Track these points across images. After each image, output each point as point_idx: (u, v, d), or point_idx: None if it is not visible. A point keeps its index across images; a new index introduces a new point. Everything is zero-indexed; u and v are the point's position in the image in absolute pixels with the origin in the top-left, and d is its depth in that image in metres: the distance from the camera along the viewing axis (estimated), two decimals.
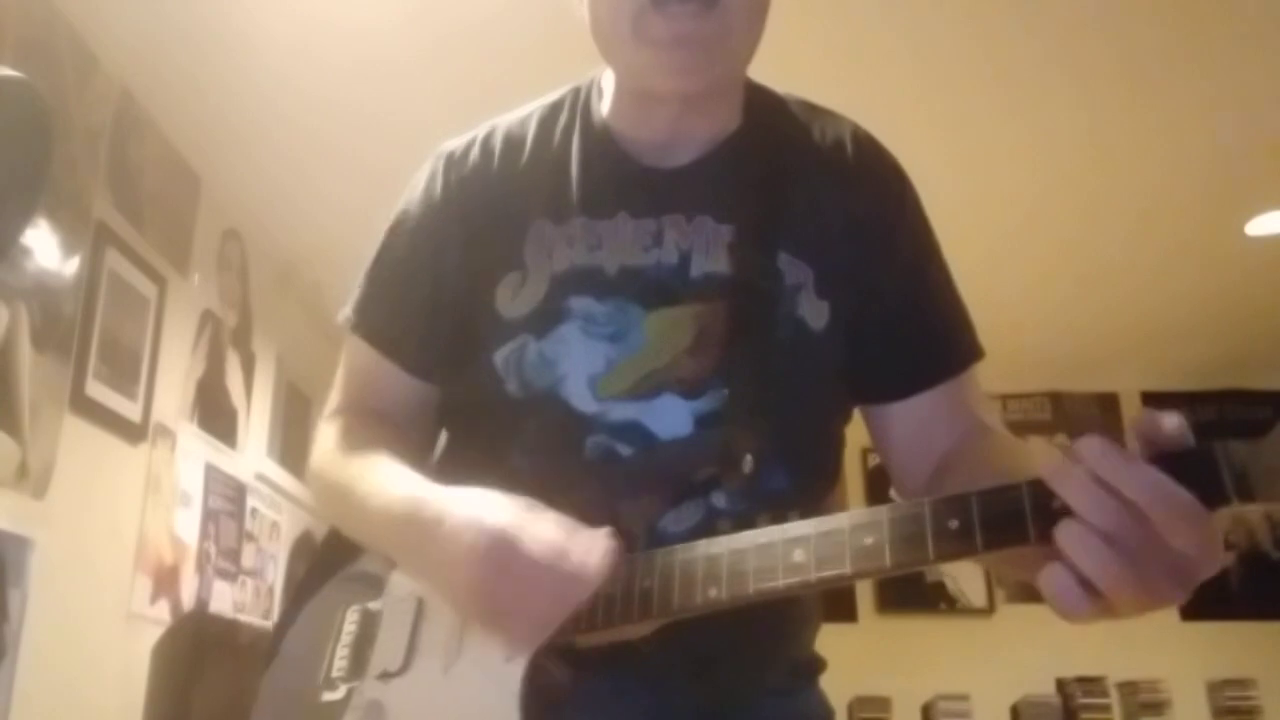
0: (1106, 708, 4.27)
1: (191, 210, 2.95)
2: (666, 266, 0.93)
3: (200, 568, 2.89)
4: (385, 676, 0.89)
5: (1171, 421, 0.61)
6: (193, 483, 2.89)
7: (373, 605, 0.95)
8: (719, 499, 0.88)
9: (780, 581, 0.72)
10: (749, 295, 0.92)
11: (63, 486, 2.22)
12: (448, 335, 0.99)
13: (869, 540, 0.68)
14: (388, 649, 0.90)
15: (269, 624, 3.30)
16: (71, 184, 2.32)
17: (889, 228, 0.98)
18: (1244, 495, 0.58)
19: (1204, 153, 2.99)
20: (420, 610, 0.91)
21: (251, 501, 3.27)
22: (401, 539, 0.87)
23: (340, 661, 0.93)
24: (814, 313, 0.93)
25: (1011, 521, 0.64)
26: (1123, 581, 0.59)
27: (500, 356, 0.94)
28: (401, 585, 0.94)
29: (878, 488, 4.76)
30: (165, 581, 2.69)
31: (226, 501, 3.09)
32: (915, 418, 0.96)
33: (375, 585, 0.96)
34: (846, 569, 0.69)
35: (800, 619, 0.98)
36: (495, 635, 0.80)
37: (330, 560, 1.03)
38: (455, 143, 1.05)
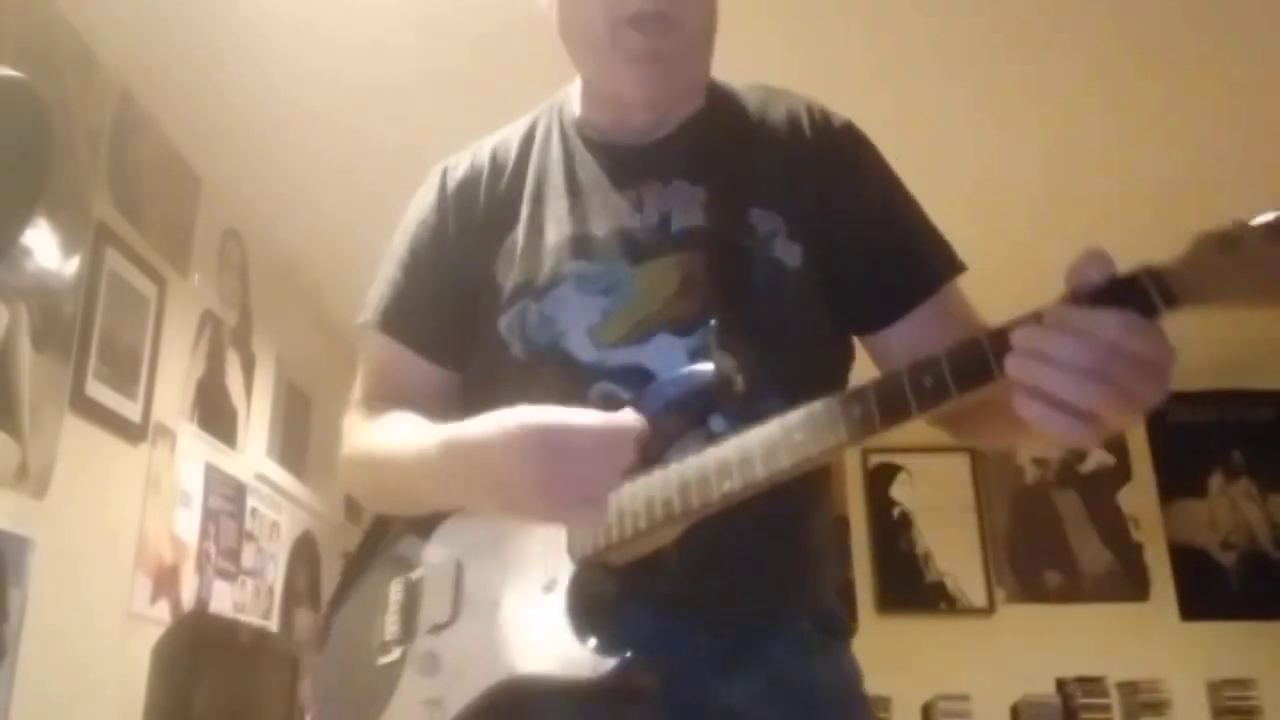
0: (1106, 708, 4.25)
1: (191, 210, 2.95)
2: (649, 226, 1.03)
3: (200, 568, 2.89)
4: (436, 629, 0.96)
5: (1095, 263, 0.74)
6: (193, 483, 2.89)
7: (413, 575, 1.01)
8: (717, 423, 0.92)
9: (785, 460, 0.80)
10: (726, 247, 1.00)
11: (63, 486, 2.22)
12: (458, 316, 1.08)
13: (858, 410, 0.78)
14: (434, 606, 0.97)
15: (269, 624, 3.30)
16: (71, 184, 2.32)
17: (850, 174, 1.06)
18: (1169, 302, 0.71)
19: (1204, 152, 2.99)
20: (460, 568, 0.97)
21: (251, 501, 3.27)
22: (444, 473, 0.93)
23: (391, 627, 1.00)
24: (788, 254, 1.01)
25: (976, 366, 0.74)
26: (1078, 387, 0.69)
27: (504, 323, 1.02)
28: (437, 554, 1.00)
29: (878, 487, 4.77)
30: (165, 581, 2.69)
31: (226, 501, 3.09)
32: (909, 340, 1.01)
33: (413, 560, 1.03)
34: (843, 436, 0.78)
35: (813, 552, 1.02)
36: (566, 511, 0.86)
37: (372, 547, 1.11)
38: (451, 159, 1.17)
